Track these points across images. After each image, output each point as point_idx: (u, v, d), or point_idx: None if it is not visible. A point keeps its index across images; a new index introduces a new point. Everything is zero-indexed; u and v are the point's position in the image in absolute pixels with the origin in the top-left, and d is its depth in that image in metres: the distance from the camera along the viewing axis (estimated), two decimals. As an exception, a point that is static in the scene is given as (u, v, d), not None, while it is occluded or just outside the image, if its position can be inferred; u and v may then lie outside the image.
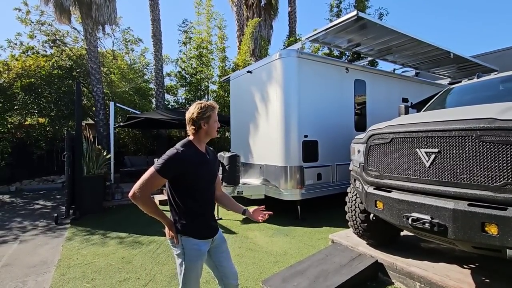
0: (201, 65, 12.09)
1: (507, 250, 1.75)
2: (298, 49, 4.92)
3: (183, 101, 12.66)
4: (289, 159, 4.78)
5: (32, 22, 11.88)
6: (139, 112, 9.48)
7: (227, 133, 12.57)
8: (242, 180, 5.42)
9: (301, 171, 4.78)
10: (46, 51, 11.69)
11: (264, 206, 1.96)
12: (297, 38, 12.53)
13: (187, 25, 12.46)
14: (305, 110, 4.88)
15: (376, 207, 2.51)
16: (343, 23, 4.20)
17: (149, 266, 3.42)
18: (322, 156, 5.05)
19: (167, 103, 11.93)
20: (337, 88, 5.38)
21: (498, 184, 1.76)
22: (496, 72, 3.62)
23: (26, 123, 10.90)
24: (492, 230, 1.73)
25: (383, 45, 5.10)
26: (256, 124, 5.50)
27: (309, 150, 4.89)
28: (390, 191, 2.43)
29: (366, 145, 2.71)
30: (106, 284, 3.02)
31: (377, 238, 3.12)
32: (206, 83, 12.51)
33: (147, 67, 13.67)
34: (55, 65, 10.62)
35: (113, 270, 3.33)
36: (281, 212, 5.48)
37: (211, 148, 1.88)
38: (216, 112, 1.76)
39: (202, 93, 12.36)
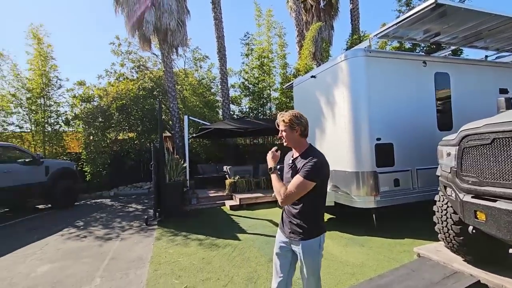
0: (262, 74, 12.48)
1: None
2: (365, 47, 4.66)
3: (247, 110, 13.23)
4: (361, 164, 4.51)
5: (122, 53, 14.08)
6: (209, 124, 10.25)
7: (290, 139, 12.57)
8: (310, 187, 5.33)
9: (374, 177, 4.45)
10: (133, 76, 13.72)
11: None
12: (361, 35, 11.86)
13: (248, 37, 13.10)
14: (377, 111, 4.56)
15: (477, 218, 2.17)
16: (418, 14, 3.83)
17: (226, 268, 3.63)
18: (399, 160, 4.61)
19: (232, 113, 12.62)
20: (414, 84, 4.87)
21: None
22: None
23: (120, 138, 12.88)
24: None
25: (469, 30, 4.44)
26: (323, 129, 5.37)
27: (383, 154, 4.53)
28: (494, 200, 2.07)
29: (458, 147, 2.38)
30: (191, 281, 3.31)
31: (477, 255, 2.67)
32: (268, 91, 12.83)
33: (213, 81, 14.78)
34: (140, 87, 12.36)
35: (195, 269, 3.64)
36: (354, 220, 5.19)
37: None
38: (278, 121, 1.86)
39: (264, 101, 12.71)
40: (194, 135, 10.72)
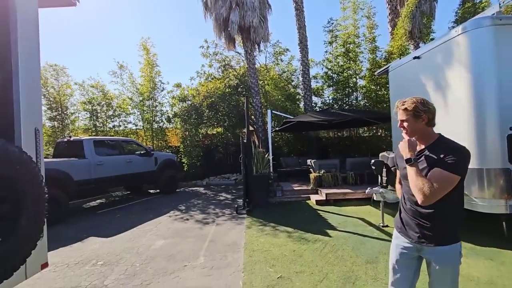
0: (348, 62, 11.65)
1: None
2: (493, 14, 3.73)
3: (330, 101, 12.63)
4: (486, 159, 3.67)
5: (210, 54, 15.33)
6: (291, 117, 10.22)
7: (380, 131, 11.44)
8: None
9: (507, 175, 3.56)
10: (220, 75, 14.81)
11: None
12: (476, 2, 9.67)
13: (332, 23, 12.37)
14: (510, 94, 3.61)
15: None
16: None
17: (319, 263, 3.52)
18: (546, 154, 3.56)
19: (314, 105, 12.27)
20: None
21: None
22: None
23: (209, 132, 14.16)
24: None
25: None
26: (429, 117, 4.60)
27: (520, 146, 3.57)
28: None
29: None
30: (285, 271, 3.35)
31: None
32: (354, 79, 11.90)
33: (294, 73, 14.65)
34: (226, 84, 13.25)
35: (288, 261, 3.66)
36: (474, 227, 4.31)
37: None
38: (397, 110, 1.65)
39: (350, 90, 11.86)
40: (277, 128, 10.88)
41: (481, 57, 3.72)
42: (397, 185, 1.96)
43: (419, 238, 1.54)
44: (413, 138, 1.59)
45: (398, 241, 1.68)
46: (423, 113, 1.51)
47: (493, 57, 3.65)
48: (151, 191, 10.28)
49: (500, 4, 3.72)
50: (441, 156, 1.44)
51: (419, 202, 1.42)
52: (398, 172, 1.92)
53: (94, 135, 11.81)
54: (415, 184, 1.43)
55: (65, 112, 12.45)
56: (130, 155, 8.59)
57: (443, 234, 1.49)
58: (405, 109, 1.56)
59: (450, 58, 4.13)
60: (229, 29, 11.25)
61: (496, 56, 3.64)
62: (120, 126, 13.39)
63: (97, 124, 12.70)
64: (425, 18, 9.66)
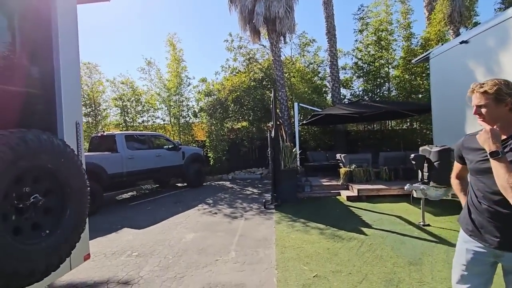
0: (380, 50, 11.03)
1: None
2: None
3: (360, 93, 12.08)
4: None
5: (234, 48, 15.26)
6: (319, 110, 9.91)
7: (415, 124, 10.76)
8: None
9: None
10: (244, 69, 14.71)
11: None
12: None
13: (363, 10, 11.75)
14: None
15: None
16: None
17: (357, 263, 3.34)
18: None
19: (342, 97, 11.81)
20: None
21: None
22: None
23: (235, 127, 14.16)
24: None
25: None
26: (479, 107, 4.18)
27: None
28: None
29: None
30: (320, 270, 3.20)
31: None
32: (387, 68, 11.27)
33: (321, 65, 14.19)
34: (251, 78, 13.13)
35: (322, 259, 3.51)
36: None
37: None
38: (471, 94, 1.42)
39: (381, 81, 11.26)
40: (304, 122, 10.61)
41: (547, 37, 3.27)
42: (454, 180, 1.74)
43: (499, 244, 1.33)
44: (495, 127, 1.36)
45: (469, 245, 1.47)
46: (507, 96, 1.28)
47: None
48: (179, 184, 10.51)
49: None
50: None
51: None
52: (456, 165, 1.70)
53: (125, 130, 12.26)
54: (507, 182, 1.20)
55: (97, 108, 13.04)
56: (159, 149, 8.79)
57: None
58: (485, 92, 1.33)
59: (505, 41, 3.69)
60: (254, 21, 11.08)
61: None
62: (148, 121, 13.81)
63: (127, 119, 13.18)
64: (467, 0, 8.84)
